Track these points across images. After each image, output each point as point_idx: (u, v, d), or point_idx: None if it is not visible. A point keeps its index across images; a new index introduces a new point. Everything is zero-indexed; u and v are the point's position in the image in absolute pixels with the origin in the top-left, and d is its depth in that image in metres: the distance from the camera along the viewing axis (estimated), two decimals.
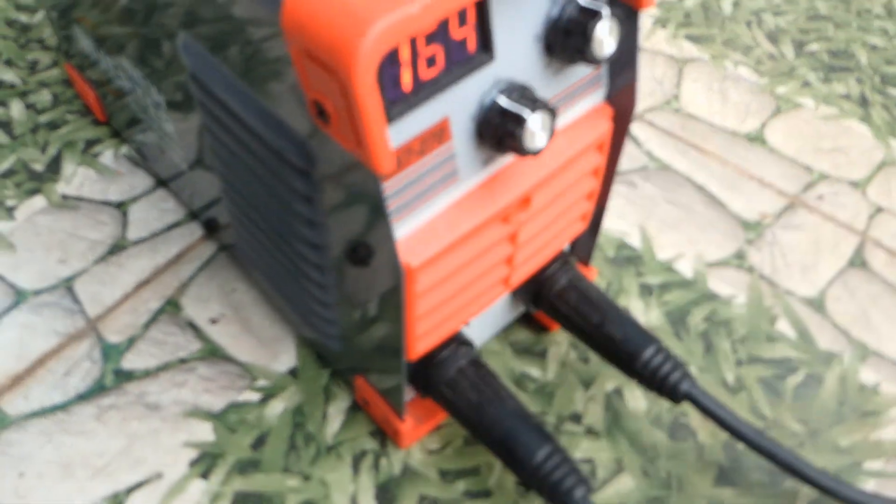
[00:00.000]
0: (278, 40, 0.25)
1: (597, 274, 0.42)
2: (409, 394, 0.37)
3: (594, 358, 0.42)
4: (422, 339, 0.32)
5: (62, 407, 0.39)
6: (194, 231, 0.46)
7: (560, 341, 0.43)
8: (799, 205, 0.51)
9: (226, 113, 0.30)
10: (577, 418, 0.40)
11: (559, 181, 0.32)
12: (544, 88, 0.30)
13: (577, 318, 0.37)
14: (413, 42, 0.24)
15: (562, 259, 0.38)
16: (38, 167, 0.50)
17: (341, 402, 0.40)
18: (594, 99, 0.33)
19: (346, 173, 0.26)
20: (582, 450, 0.39)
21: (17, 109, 0.53)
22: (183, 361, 0.41)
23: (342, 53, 0.20)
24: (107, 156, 0.50)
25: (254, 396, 0.40)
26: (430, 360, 0.35)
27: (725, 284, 0.46)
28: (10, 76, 0.55)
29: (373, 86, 0.21)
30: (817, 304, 0.46)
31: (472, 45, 0.26)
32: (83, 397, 0.40)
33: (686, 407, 0.41)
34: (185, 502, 0.37)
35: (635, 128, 0.55)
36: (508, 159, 0.30)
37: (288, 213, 0.31)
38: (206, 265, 0.45)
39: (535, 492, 0.33)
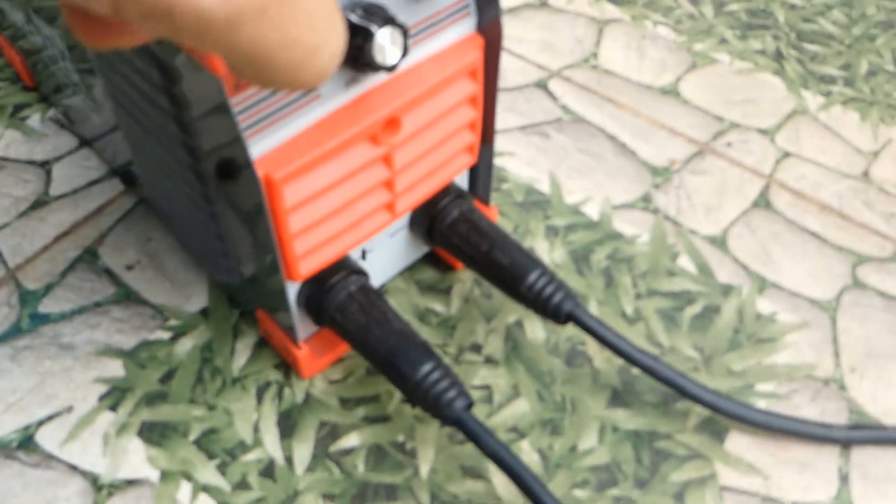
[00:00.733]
0: None
1: (497, 214, 0.44)
2: (308, 326, 0.39)
3: (497, 294, 0.44)
4: (304, 258, 0.34)
5: None
6: (115, 186, 0.48)
7: (465, 279, 0.44)
8: (708, 151, 0.53)
9: (117, 56, 0.31)
10: (477, 349, 0.42)
11: (430, 106, 0.34)
12: (405, 13, 0.31)
13: (467, 247, 0.39)
14: None
15: (455, 194, 0.40)
16: None
17: (249, 339, 0.41)
18: (463, 28, 0.34)
19: (204, 88, 0.28)
20: (479, 377, 0.40)
21: None
22: (98, 305, 0.43)
23: None
24: (34, 119, 0.52)
25: (165, 335, 0.41)
26: (321, 287, 0.36)
27: (630, 225, 0.48)
28: None
29: None
30: (719, 242, 0.47)
31: None
32: None
33: (584, 336, 0.43)
34: (93, 433, 0.38)
35: (552, 83, 0.56)
36: (373, 81, 0.32)
37: (171, 142, 0.32)
38: (124, 217, 0.46)
39: (420, 407, 0.35)
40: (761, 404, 0.41)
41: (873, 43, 0.61)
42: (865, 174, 0.52)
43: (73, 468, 0.37)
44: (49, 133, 0.51)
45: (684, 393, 0.37)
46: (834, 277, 0.46)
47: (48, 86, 0.50)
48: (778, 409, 0.40)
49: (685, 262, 0.46)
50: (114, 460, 0.37)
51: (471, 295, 0.44)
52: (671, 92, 0.56)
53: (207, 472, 0.37)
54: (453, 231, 0.39)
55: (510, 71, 0.57)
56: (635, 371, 0.41)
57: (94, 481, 0.36)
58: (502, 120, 0.54)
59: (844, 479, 0.38)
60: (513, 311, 0.43)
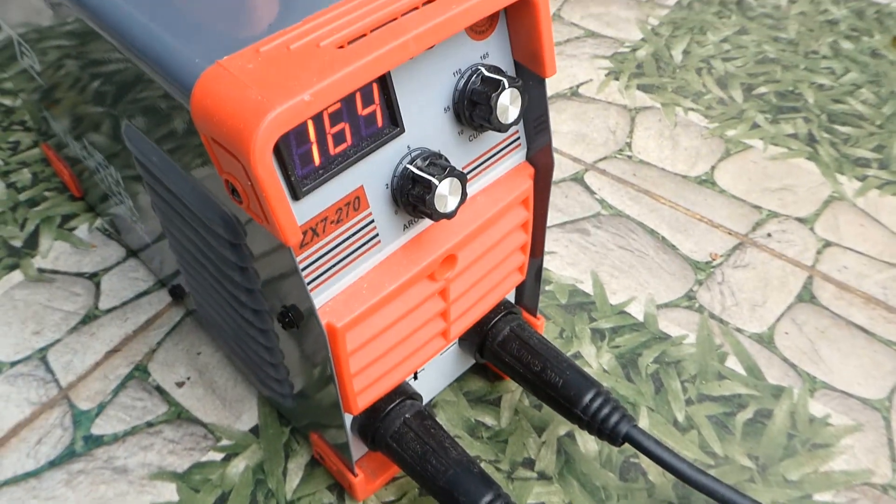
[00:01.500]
0: None
1: (544, 322, 0.44)
2: (360, 448, 0.39)
3: None
4: (362, 394, 0.34)
5: (34, 474, 0.41)
6: (163, 298, 0.49)
7: (514, 389, 0.44)
8: (748, 243, 0.53)
9: (166, 192, 0.32)
10: (529, 464, 0.41)
11: (484, 238, 0.34)
12: (459, 155, 0.32)
13: (519, 366, 0.39)
14: (319, 121, 0.26)
15: (505, 309, 0.40)
16: (17, 243, 0.52)
17: (301, 458, 0.41)
18: (514, 159, 0.35)
19: (269, 245, 0.28)
20: (534, 495, 0.40)
21: None
22: (150, 425, 0.43)
23: (240, 142, 0.23)
24: (82, 229, 0.53)
25: (217, 456, 0.41)
26: (376, 414, 0.36)
27: (676, 325, 0.48)
28: None
29: (270, 168, 0.23)
30: (766, 340, 0.47)
31: (380, 119, 0.28)
32: (54, 464, 0.41)
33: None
34: None
35: (589, 177, 0.57)
36: (429, 221, 0.32)
37: (228, 282, 0.33)
38: (173, 330, 0.47)
39: None
40: None
41: None
42: None
43: None
44: (97, 243, 0.52)
45: None
46: (885, 374, 0.46)
47: (94, 195, 0.51)
48: None
49: (733, 363, 0.46)
50: None
51: (520, 405, 0.44)
52: (707, 181, 0.57)
53: None
54: (504, 349, 0.39)
55: None
56: None
57: None
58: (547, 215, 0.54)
59: None
60: (563, 422, 0.43)
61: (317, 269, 0.29)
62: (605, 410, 0.37)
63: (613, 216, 0.54)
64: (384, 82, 0.28)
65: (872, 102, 0.63)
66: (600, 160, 0.58)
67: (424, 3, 0.27)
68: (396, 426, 0.36)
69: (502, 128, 0.30)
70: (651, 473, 0.41)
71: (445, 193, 0.29)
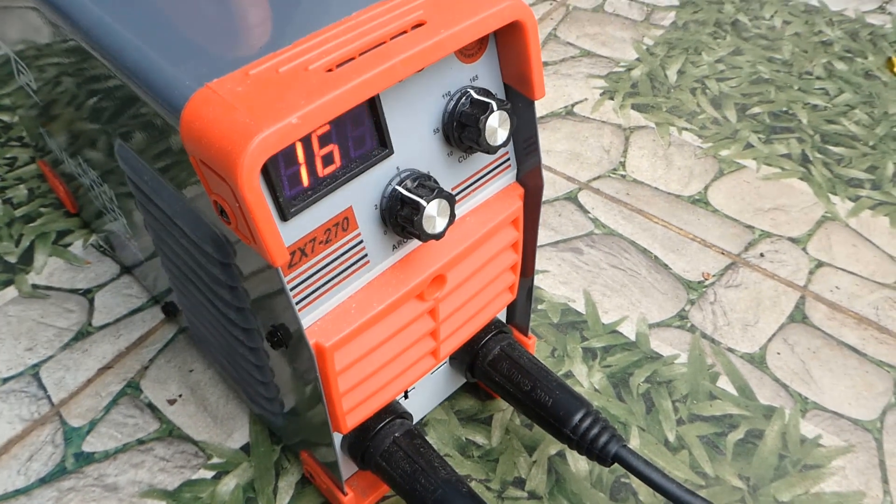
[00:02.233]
0: None
1: (535, 341, 0.44)
2: (350, 467, 0.39)
3: None
4: (351, 413, 0.34)
5: (24, 491, 0.41)
6: (156, 315, 0.49)
7: (504, 408, 0.44)
8: (740, 263, 0.53)
9: (158, 211, 0.32)
10: (520, 483, 0.41)
11: (474, 258, 0.34)
12: (448, 176, 0.32)
13: (509, 385, 0.39)
14: (308, 143, 0.26)
15: (496, 329, 0.40)
16: (12, 259, 0.52)
17: (291, 477, 0.41)
18: (504, 180, 0.35)
19: (257, 265, 0.28)
20: None
21: None
22: (141, 442, 0.43)
23: (228, 165, 0.23)
24: (76, 246, 0.53)
25: (207, 474, 0.41)
26: (366, 433, 0.36)
27: (667, 345, 0.48)
28: None
29: (258, 191, 0.23)
30: (758, 360, 0.47)
31: (369, 141, 0.29)
32: (44, 481, 0.41)
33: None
34: None
35: (582, 196, 0.57)
36: (418, 242, 0.32)
37: (218, 300, 0.33)
38: (165, 347, 0.47)
39: None
40: None
41: None
42: None
43: None
44: (91, 260, 0.52)
45: None
46: (876, 395, 0.46)
47: (89, 212, 0.51)
48: None
49: (725, 384, 0.46)
50: None
51: (511, 424, 0.44)
52: (700, 201, 0.57)
53: None
54: (494, 368, 0.39)
55: None
56: None
57: None
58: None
59: None
60: (554, 442, 0.43)
61: (305, 288, 0.29)
62: (595, 430, 0.37)
63: (606, 235, 0.54)
64: (373, 104, 0.28)
65: (866, 123, 0.64)
66: (594, 179, 0.59)
67: (414, 27, 0.27)
68: (386, 445, 0.36)
69: (491, 150, 0.31)
70: (642, 493, 0.41)
71: (434, 214, 0.29)
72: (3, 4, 0.39)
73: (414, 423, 0.42)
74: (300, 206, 0.27)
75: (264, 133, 0.23)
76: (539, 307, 0.50)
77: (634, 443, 0.43)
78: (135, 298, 0.50)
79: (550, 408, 0.38)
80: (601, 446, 0.37)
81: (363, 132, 0.28)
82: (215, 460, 0.42)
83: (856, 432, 0.44)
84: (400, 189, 0.29)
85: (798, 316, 0.50)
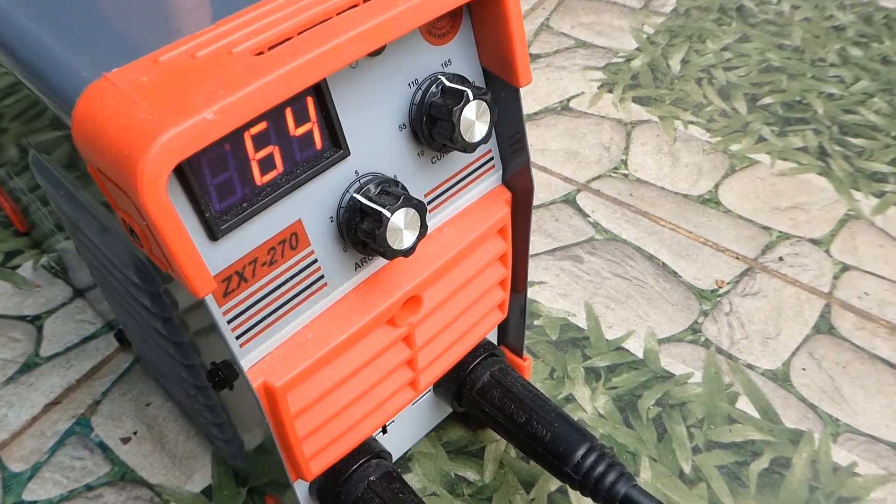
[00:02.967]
0: None
1: (531, 363, 0.39)
2: None
3: None
4: (315, 458, 0.29)
5: None
6: (110, 342, 0.44)
7: (498, 438, 0.39)
8: (758, 269, 0.48)
9: (78, 231, 0.28)
10: None
11: (454, 275, 0.30)
12: (419, 180, 0.27)
13: (501, 417, 0.34)
14: (239, 144, 0.22)
15: (485, 352, 0.35)
16: None
17: None
18: (487, 183, 0.30)
19: (188, 294, 0.24)
20: None
21: None
22: (89, 488, 0.38)
23: (126, 173, 0.18)
24: (26, 267, 0.48)
25: None
26: (337, 477, 0.31)
27: (680, 362, 0.43)
28: None
29: (166, 205, 0.19)
30: (781, 378, 0.42)
31: (319, 141, 0.24)
32: None
33: None
34: None
35: (581, 198, 0.52)
36: (384, 260, 0.28)
37: (155, 333, 0.28)
38: (120, 378, 0.42)
39: None
40: None
41: None
42: None
43: None
44: (41, 282, 0.47)
45: None
46: None
47: (40, 230, 0.47)
48: None
49: (745, 405, 0.41)
50: None
51: (506, 457, 0.39)
52: (711, 201, 0.52)
53: None
54: (484, 398, 0.35)
55: (535, 187, 0.53)
56: None
57: None
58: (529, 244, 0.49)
59: None
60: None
61: (247, 320, 0.24)
62: (600, 468, 0.32)
63: (609, 241, 0.49)
64: (321, 96, 0.23)
65: (886, 112, 0.59)
66: (593, 179, 0.54)
67: (366, 0, 0.23)
68: (360, 490, 0.31)
69: (468, 147, 0.26)
70: None
71: (400, 227, 0.24)
72: None
73: (395, 459, 0.38)
74: (234, 222, 0.22)
75: (170, 133, 0.18)
76: (535, 323, 0.45)
77: (645, 475, 0.38)
78: (87, 325, 0.45)
79: (549, 443, 0.33)
80: (608, 487, 0.32)
81: (310, 130, 0.23)
82: None
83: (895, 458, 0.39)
84: (359, 197, 0.24)
85: (824, 326, 0.45)
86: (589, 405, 0.41)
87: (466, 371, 0.35)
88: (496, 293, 0.33)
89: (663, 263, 0.48)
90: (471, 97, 0.25)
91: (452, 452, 0.39)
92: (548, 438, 0.33)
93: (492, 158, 0.30)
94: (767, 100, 0.60)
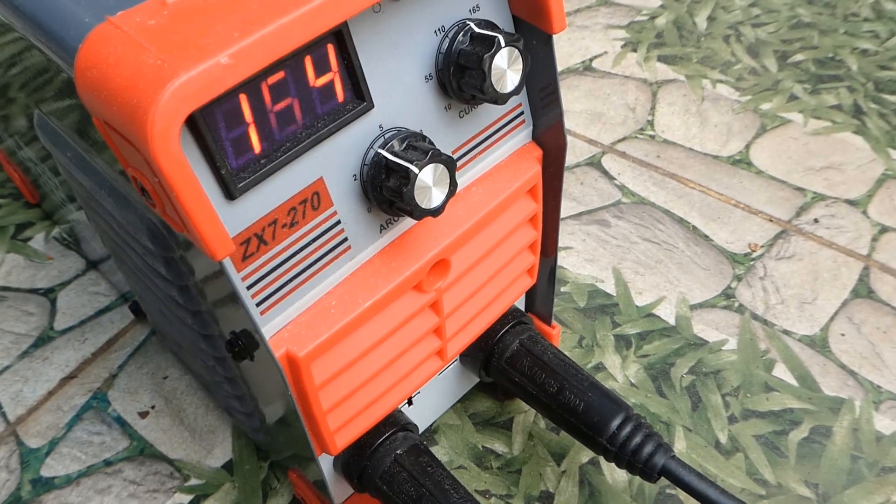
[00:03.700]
0: None
1: (560, 331, 0.38)
2: (346, 488, 0.33)
3: None
4: (340, 432, 0.28)
5: None
6: (125, 315, 0.43)
7: (527, 409, 0.38)
8: (792, 231, 0.46)
9: (88, 195, 0.26)
10: (548, 498, 0.35)
11: (483, 237, 0.28)
12: (447, 135, 0.26)
13: (531, 386, 0.33)
14: (256, 94, 0.20)
15: (513, 319, 0.34)
16: None
17: (282, 498, 0.35)
18: (518, 140, 0.29)
19: (206, 259, 0.22)
20: None
21: None
22: (108, 463, 0.37)
23: (135, 124, 0.17)
24: (37, 240, 0.47)
25: (184, 498, 0.36)
26: (363, 451, 0.30)
27: (713, 329, 0.41)
28: None
29: (179, 159, 0.17)
30: (819, 344, 0.41)
31: (340, 92, 0.22)
32: None
33: None
34: None
35: (607, 160, 0.50)
36: (411, 221, 0.26)
37: (171, 302, 0.27)
38: (136, 352, 0.41)
39: None
40: None
41: None
42: None
43: None
44: (54, 254, 0.46)
45: None
46: None
47: (50, 201, 0.45)
48: None
49: (782, 372, 0.39)
50: None
51: (535, 428, 0.37)
52: (742, 162, 0.50)
53: None
54: (513, 367, 0.33)
55: None
56: None
57: None
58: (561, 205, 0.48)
59: None
60: (586, 448, 0.37)
61: (268, 285, 0.23)
62: (637, 439, 0.31)
63: (636, 204, 0.48)
64: (342, 43, 0.21)
65: None
66: (619, 141, 0.52)
67: None
68: (386, 464, 0.30)
69: (500, 99, 0.24)
70: None
71: (429, 184, 0.23)
72: None
73: (421, 431, 0.36)
74: (252, 180, 0.21)
75: (182, 78, 0.17)
76: (562, 290, 0.43)
77: (680, 446, 0.37)
78: (102, 297, 0.44)
79: (582, 413, 0.31)
80: (645, 458, 0.30)
81: (331, 81, 0.22)
82: (193, 481, 0.36)
83: None
84: (384, 153, 0.23)
85: (863, 290, 0.43)
86: (620, 374, 0.39)
87: (495, 339, 0.33)
88: (526, 257, 0.32)
89: (694, 227, 0.46)
90: (503, 43, 0.23)
91: (480, 424, 0.38)
92: (581, 409, 0.32)
93: (522, 113, 0.28)
94: (798, 57, 0.58)
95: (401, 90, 0.24)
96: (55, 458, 0.37)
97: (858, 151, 0.51)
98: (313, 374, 0.24)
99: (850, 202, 0.48)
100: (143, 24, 0.18)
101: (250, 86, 0.20)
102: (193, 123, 0.19)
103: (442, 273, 0.27)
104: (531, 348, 0.33)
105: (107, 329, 0.42)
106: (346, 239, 0.24)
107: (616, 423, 0.31)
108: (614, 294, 0.43)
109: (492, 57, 0.23)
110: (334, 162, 0.23)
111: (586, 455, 0.36)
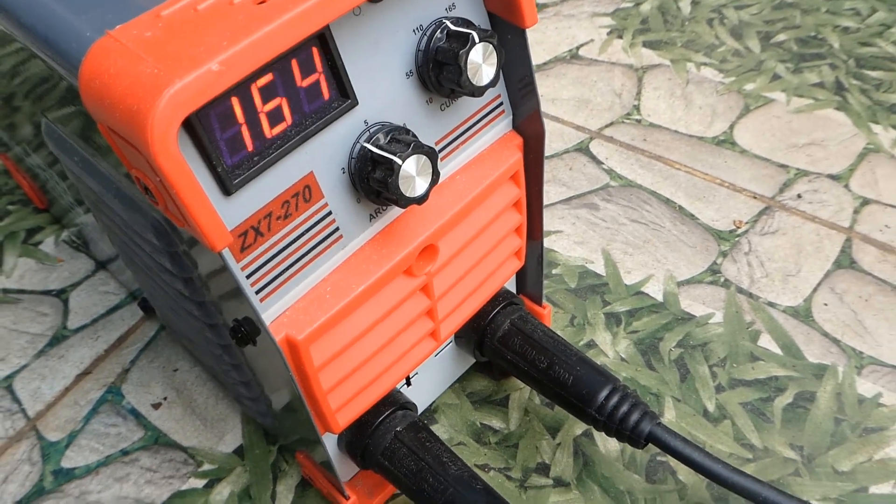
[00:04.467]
0: None
1: (551, 311, 0.39)
2: (351, 466, 0.34)
3: None
4: (341, 411, 0.29)
5: None
6: (135, 312, 0.45)
7: (522, 386, 0.40)
8: (776, 207, 0.47)
9: (95, 196, 0.28)
10: (544, 469, 0.37)
11: (469, 223, 0.30)
12: (429, 128, 0.27)
13: (523, 363, 0.34)
14: (247, 97, 0.22)
15: (504, 300, 0.36)
16: None
17: (291, 480, 0.37)
18: (498, 129, 0.30)
19: (207, 251, 0.24)
20: None
21: None
22: (125, 453, 0.39)
23: (136, 128, 0.18)
24: (48, 243, 0.49)
25: (199, 483, 0.37)
26: (364, 429, 0.32)
27: (700, 304, 0.43)
28: None
29: (178, 159, 0.19)
30: (803, 314, 0.42)
31: (326, 91, 0.24)
32: None
33: None
34: None
35: (594, 145, 0.52)
36: (400, 209, 0.28)
37: (177, 295, 0.29)
38: (147, 347, 0.43)
39: None
40: None
41: None
42: None
43: None
44: (64, 257, 0.48)
45: None
46: None
47: (58, 206, 0.47)
48: None
49: (767, 342, 0.41)
50: None
51: (530, 404, 0.39)
52: (726, 142, 0.51)
53: None
54: (505, 345, 0.35)
55: (547, 136, 0.53)
56: None
57: None
58: (544, 194, 0.49)
59: None
60: (580, 421, 0.38)
61: (265, 274, 0.24)
62: (624, 408, 0.32)
63: (624, 187, 0.49)
64: (325, 45, 0.23)
65: None
66: (606, 126, 0.53)
67: None
68: (387, 441, 0.32)
69: (477, 91, 0.26)
70: (681, 473, 0.36)
71: (412, 173, 0.24)
72: None
73: (420, 411, 0.38)
74: (246, 176, 0.22)
75: (177, 85, 0.18)
76: (553, 272, 0.45)
77: (669, 415, 0.38)
78: (112, 295, 0.46)
79: (571, 386, 0.33)
80: (632, 426, 0.32)
81: (317, 80, 0.23)
82: (207, 467, 0.38)
83: None
84: (369, 147, 0.24)
85: (845, 261, 0.44)
86: (611, 350, 0.41)
87: (486, 320, 0.35)
88: (512, 240, 0.33)
89: (680, 207, 0.48)
90: (476, 39, 0.25)
91: (477, 402, 0.39)
92: (570, 382, 0.33)
93: (501, 104, 0.30)
94: (781, 37, 0.59)
95: (383, 87, 0.25)
96: (74, 450, 0.39)
97: (840, 127, 0.52)
98: (312, 356, 0.26)
99: (833, 177, 0.49)
100: (140, 36, 0.19)
101: (241, 89, 0.21)
102: (190, 125, 0.21)
103: (431, 258, 0.29)
104: (522, 327, 0.35)
105: (118, 326, 0.44)
106: (337, 228, 0.26)
107: (604, 394, 0.33)
108: (604, 274, 0.45)
109: (467, 53, 0.25)
110: (323, 156, 0.24)
111: (580, 428, 0.38)
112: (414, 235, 0.28)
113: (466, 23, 0.26)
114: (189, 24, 0.20)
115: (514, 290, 0.38)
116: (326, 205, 0.25)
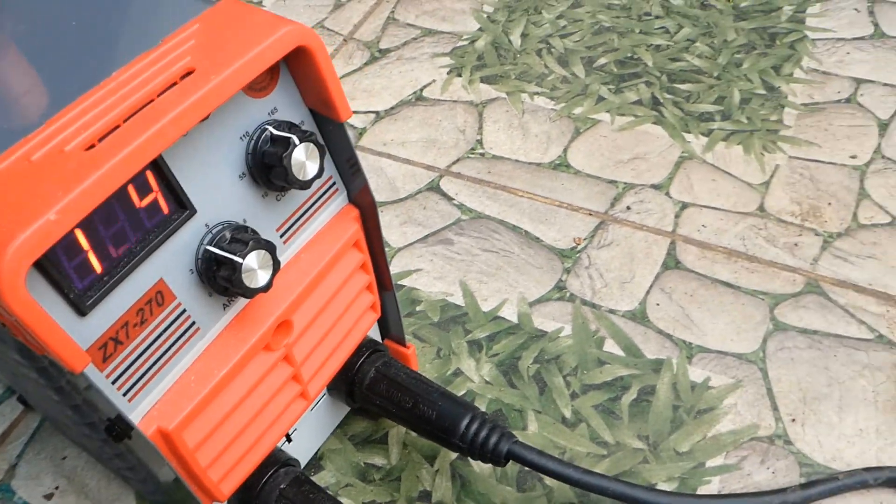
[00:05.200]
0: None
1: (415, 350, 0.43)
2: None
3: None
4: (224, 481, 0.32)
5: None
6: (15, 406, 0.45)
7: None
8: (609, 221, 0.53)
9: None
10: (426, 497, 0.40)
11: (319, 293, 0.33)
12: (269, 219, 0.30)
13: (391, 406, 0.38)
14: (90, 227, 0.24)
15: (368, 349, 0.39)
16: None
17: None
18: (335, 205, 0.33)
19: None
20: None
21: None
22: None
23: None
24: None
25: None
26: (250, 491, 0.35)
27: (550, 320, 0.48)
28: None
29: (29, 302, 0.21)
30: (639, 316, 0.48)
31: (165, 206, 0.26)
32: None
33: None
34: None
35: (444, 183, 0.56)
36: None
37: (50, 400, 0.30)
38: (32, 439, 0.44)
39: None
40: (715, 482, 0.41)
41: (740, 69, 0.63)
42: (761, 208, 0.53)
43: None
44: None
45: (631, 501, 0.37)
46: (755, 325, 0.47)
47: None
48: (731, 482, 0.41)
49: (611, 346, 0.46)
50: None
51: (408, 438, 0.43)
52: (561, 165, 0.57)
53: None
54: (373, 391, 0.38)
55: (400, 179, 0.57)
56: None
57: None
58: (402, 235, 0.53)
59: None
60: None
61: (130, 377, 0.27)
62: (483, 433, 0.36)
63: (474, 219, 0.54)
64: (159, 168, 0.26)
65: (708, 55, 0.65)
66: (453, 163, 0.58)
67: (183, 77, 0.25)
68: (273, 499, 0.35)
69: (304, 185, 0.29)
70: (547, 479, 0.41)
71: (254, 267, 0.27)
72: None
73: (305, 462, 0.41)
74: (98, 296, 0.25)
75: (18, 240, 0.21)
76: (417, 309, 0.48)
77: (532, 427, 0.43)
78: None
79: (436, 420, 0.37)
80: (492, 448, 0.36)
81: (155, 199, 0.26)
82: None
83: (741, 367, 0.45)
84: (212, 249, 0.27)
85: (671, 262, 0.50)
86: (475, 375, 0.45)
87: (354, 370, 0.38)
88: (365, 297, 0.37)
89: (526, 231, 0.53)
90: (297, 141, 0.28)
91: (359, 444, 0.43)
92: (434, 417, 0.37)
93: (334, 184, 0.33)
94: (602, 60, 0.65)
95: (219, 191, 0.28)
96: None
97: (658, 140, 0.58)
98: (186, 441, 0.29)
99: (655, 186, 0.55)
100: None
101: (83, 220, 0.24)
102: (38, 262, 0.23)
103: (287, 331, 0.32)
104: (386, 372, 0.38)
105: (0, 423, 0.45)
106: (194, 323, 0.28)
107: (464, 423, 0.36)
108: (463, 305, 0.49)
109: (289, 155, 0.28)
110: (170, 263, 0.27)
111: (454, 453, 0.42)
112: (267, 315, 0.30)
113: (288, 125, 0.29)
114: (24, 175, 0.22)
115: (378, 337, 0.42)
116: (180, 304, 0.28)
